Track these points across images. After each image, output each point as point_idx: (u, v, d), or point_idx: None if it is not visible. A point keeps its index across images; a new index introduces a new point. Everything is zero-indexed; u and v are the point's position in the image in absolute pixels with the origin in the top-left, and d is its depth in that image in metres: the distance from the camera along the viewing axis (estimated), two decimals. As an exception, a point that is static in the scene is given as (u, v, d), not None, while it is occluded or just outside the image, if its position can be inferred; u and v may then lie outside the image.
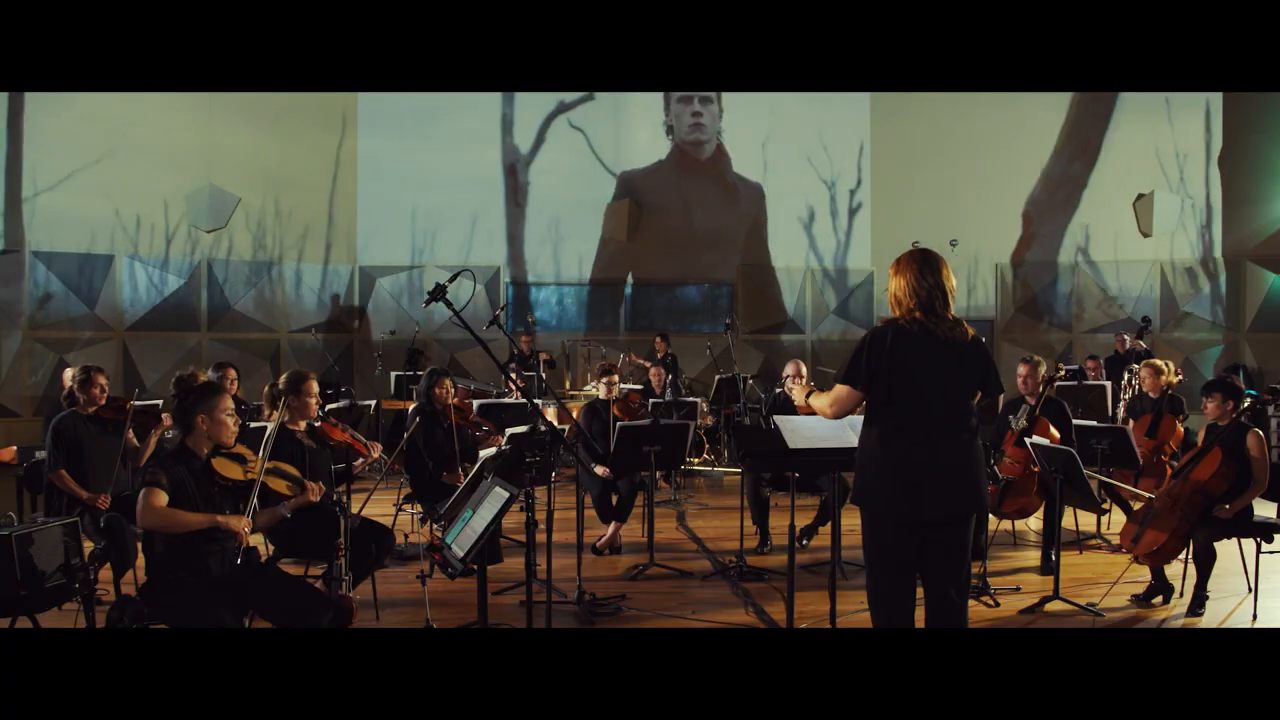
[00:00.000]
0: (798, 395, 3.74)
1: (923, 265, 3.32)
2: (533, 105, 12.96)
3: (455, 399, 6.11)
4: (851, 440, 3.93)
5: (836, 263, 13.32)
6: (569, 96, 13.03)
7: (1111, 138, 12.74)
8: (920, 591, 3.41)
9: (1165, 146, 12.53)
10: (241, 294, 12.03)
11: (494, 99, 12.91)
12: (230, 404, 3.81)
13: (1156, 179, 12.51)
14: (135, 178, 11.30)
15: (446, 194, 12.67)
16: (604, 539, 6.47)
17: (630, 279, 13.21)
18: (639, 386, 9.75)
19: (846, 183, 13.24)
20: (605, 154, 13.20)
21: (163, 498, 3.50)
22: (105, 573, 4.84)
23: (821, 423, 4.17)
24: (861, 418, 3.46)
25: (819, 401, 3.52)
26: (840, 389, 3.39)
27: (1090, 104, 12.74)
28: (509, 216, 13.06)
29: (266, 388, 5.16)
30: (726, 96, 13.16)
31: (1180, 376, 7.30)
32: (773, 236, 13.26)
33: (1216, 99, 12.26)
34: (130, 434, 5.33)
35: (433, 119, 12.54)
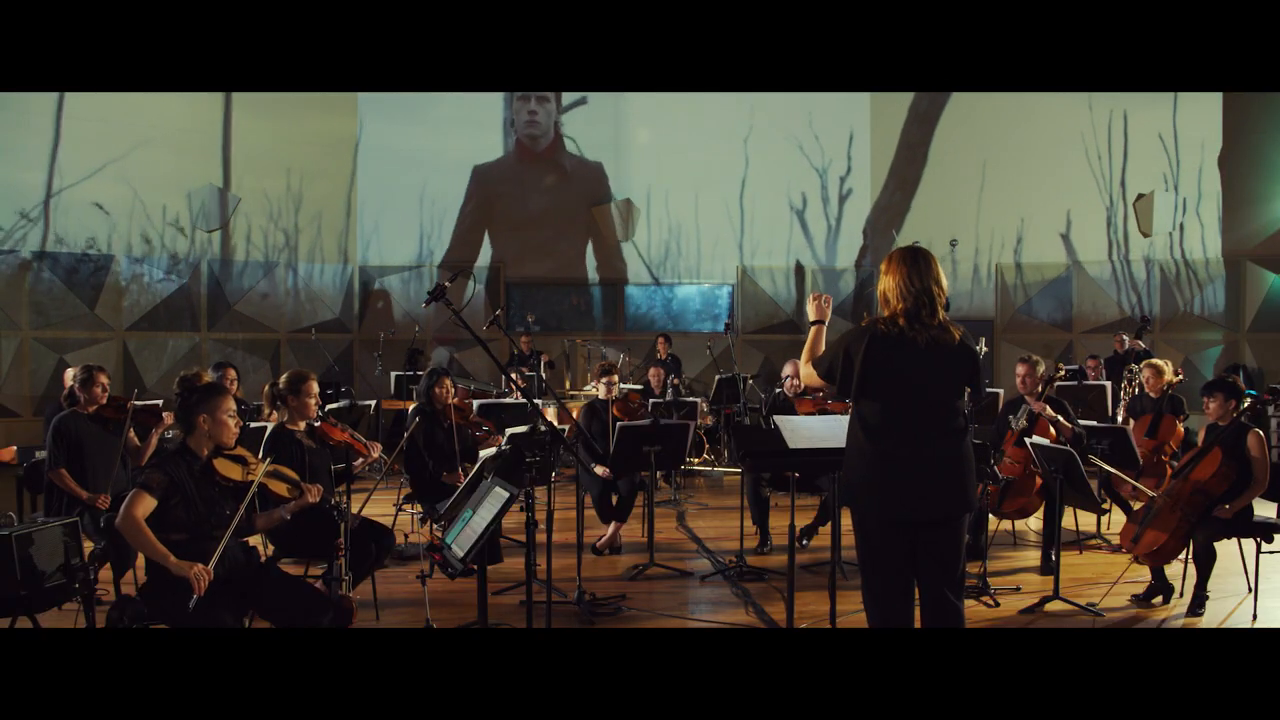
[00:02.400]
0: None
1: (911, 268, 3.28)
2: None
3: (455, 399, 6.12)
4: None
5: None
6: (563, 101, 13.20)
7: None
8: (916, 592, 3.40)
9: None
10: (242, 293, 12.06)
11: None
12: (232, 405, 3.81)
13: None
14: (136, 178, 11.31)
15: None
16: (604, 539, 6.47)
17: (488, 271, 13.32)
18: (635, 386, 9.74)
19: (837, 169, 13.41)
20: (604, 156, 13.33)
21: (148, 505, 3.46)
22: (105, 573, 4.84)
23: (821, 423, 4.18)
24: None
25: (806, 369, 3.59)
26: (814, 369, 3.46)
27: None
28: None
29: (266, 388, 5.17)
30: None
31: (1180, 376, 7.31)
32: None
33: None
34: (131, 433, 5.33)
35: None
